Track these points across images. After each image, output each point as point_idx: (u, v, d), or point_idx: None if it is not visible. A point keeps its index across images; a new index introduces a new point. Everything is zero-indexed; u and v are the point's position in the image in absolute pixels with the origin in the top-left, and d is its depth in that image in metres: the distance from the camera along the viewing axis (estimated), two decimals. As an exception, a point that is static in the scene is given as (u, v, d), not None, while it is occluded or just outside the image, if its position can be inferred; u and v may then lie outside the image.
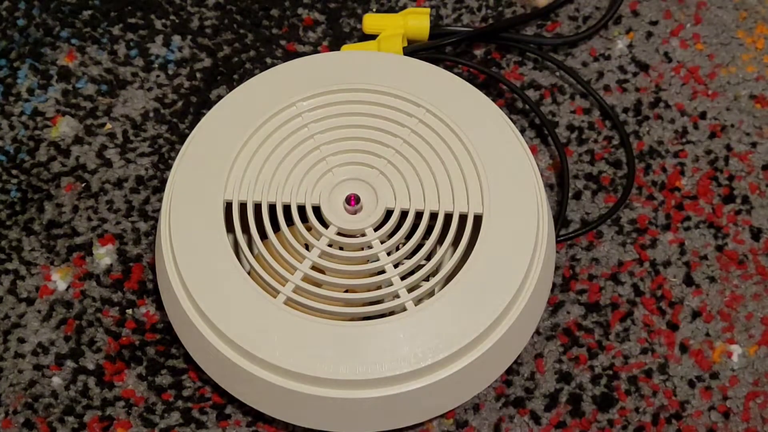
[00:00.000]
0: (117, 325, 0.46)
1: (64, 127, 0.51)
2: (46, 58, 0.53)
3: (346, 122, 0.43)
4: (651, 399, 0.44)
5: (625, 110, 0.52)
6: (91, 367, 0.45)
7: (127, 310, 0.46)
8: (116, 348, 0.45)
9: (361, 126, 0.43)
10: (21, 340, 0.45)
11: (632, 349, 0.45)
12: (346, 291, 0.40)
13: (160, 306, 0.45)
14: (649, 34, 0.54)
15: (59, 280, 0.47)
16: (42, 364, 0.45)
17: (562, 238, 0.47)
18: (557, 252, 0.47)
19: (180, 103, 0.52)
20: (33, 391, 0.44)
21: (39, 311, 0.46)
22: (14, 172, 0.50)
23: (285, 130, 0.42)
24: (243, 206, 0.41)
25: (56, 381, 0.44)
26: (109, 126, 0.51)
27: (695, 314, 0.46)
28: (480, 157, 0.41)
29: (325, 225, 0.41)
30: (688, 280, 0.47)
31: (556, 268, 0.47)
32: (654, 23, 0.54)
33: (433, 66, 0.45)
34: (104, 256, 0.47)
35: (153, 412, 0.44)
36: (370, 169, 0.42)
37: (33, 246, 0.48)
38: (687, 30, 0.54)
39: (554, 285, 0.47)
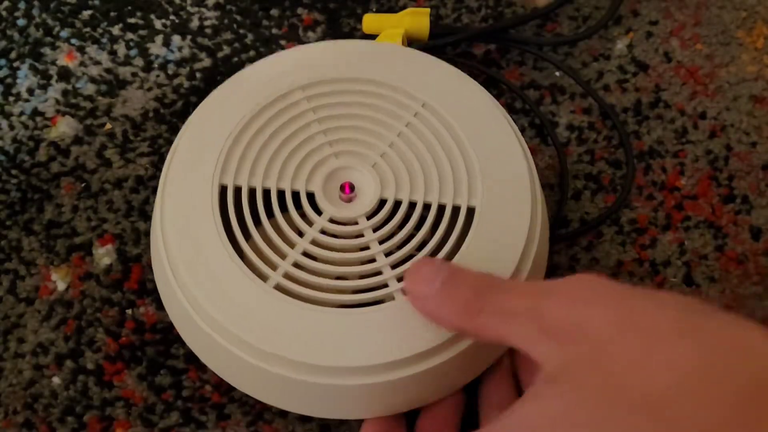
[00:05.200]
0: (117, 325, 0.46)
1: (64, 127, 0.51)
2: (46, 58, 0.53)
3: (343, 111, 0.43)
4: (651, 399, 0.44)
5: (625, 110, 0.52)
6: (90, 367, 0.45)
7: (126, 310, 0.46)
8: (116, 348, 0.45)
9: (359, 115, 0.43)
10: (20, 340, 0.45)
11: (632, 349, 0.45)
12: (338, 278, 0.40)
13: (159, 306, 0.45)
14: (649, 34, 0.54)
15: (59, 280, 0.47)
16: (42, 364, 0.45)
17: (558, 237, 0.47)
18: (557, 252, 0.47)
19: (180, 103, 0.52)
20: (33, 391, 0.44)
21: (39, 311, 0.46)
22: (14, 172, 0.50)
23: (283, 116, 0.42)
24: (238, 190, 0.41)
25: (56, 381, 0.44)
26: (108, 126, 0.51)
27: (695, 314, 0.46)
28: (475, 150, 0.41)
29: (319, 212, 0.41)
30: (688, 280, 0.47)
31: (556, 268, 0.47)
32: (654, 23, 0.54)
33: (433, 57, 0.45)
34: (104, 256, 0.47)
35: (153, 412, 0.44)
36: (366, 159, 0.42)
37: (33, 246, 0.48)
38: (687, 30, 0.54)
39: (554, 285, 0.47)
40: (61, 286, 0.47)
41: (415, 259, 0.39)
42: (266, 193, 0.41)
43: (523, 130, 0.51)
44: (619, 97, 0.52)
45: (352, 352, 0.37)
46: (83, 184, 0.49)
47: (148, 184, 0.49)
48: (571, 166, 0.50)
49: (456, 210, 0.40)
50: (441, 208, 0.41)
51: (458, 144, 0.42)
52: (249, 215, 0.40)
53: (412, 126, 0.42)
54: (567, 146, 0.51)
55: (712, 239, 0.48)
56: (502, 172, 0.41)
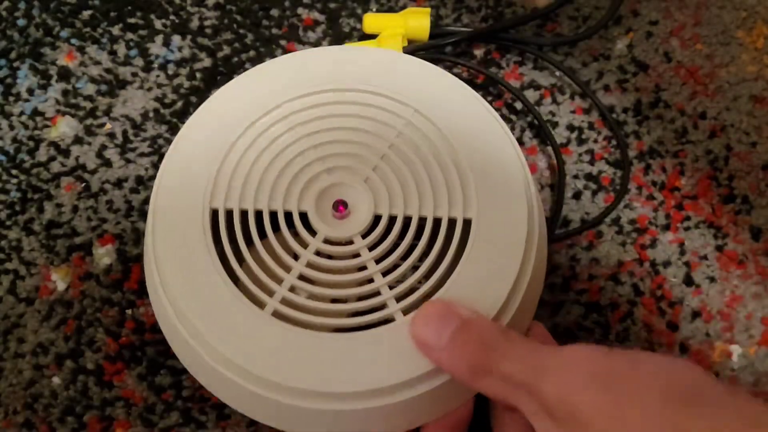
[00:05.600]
0: (117, 325, 0.46)
1: (64, 127, 0.51)
2: (46, 58, 0.53)
3: (332, 124, 0.41)
4: (651, 399, 0.44)
5: (625, 110, 0.52)
6: (90, 367, 0.45)
7: (126, 310, 0.46)
8: (116, 348, 0.45)
9: (348, 128, 0.41)
10: (21, 340, 0.45)
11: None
12: (336, 301, 0.39)
13: (159, 306, 0.45)
14: (649, 34, 0.54)
15: (59, 280, 0.47)
16: (42, 364, 0.45)
17: (554, 238, 0.47)
18: (557, 252, 0.47)
19: (180, 103, 0.52)
20: (33, 391, 0.44)
21: (39, 311, 0.46)
22: (14, 172, 0.50)
23: (271, 133, 0.41)
24: (229, 214, 0.39)
25: (56, 381, 0.44)
26: (108, 126, 0.51)
27: (695, 314, 0.46)
28: (469, 159, 0.40)
29: (313, 232, 0.39)
30: (688, 280, 0.47)
31: (557, 268, 0.47)
32: (654, 23, 0.54)
33: (423, 62, 0.44)
34: (104, 256, 0.47)
35: (153, 412, 0.44)
36: (358, 174, 0.40)
37: (33, 246, 0.48)
38: (687, 30, 0.54)
39: (554, 285, 0.47)
40: (61, 286, 0.47)
41: (412, 280, 0.38)
42: (258, 215, 0.39)
43: (522, 131, 0.51)
44: (619, 97, 0.52)
45: (359, 377, 0.36)
46: (83, 184, 0.49)
47: (148, 184, 0.49)
48: (572, 166, 0.50)
49: (452, 223, 0.39)
50: (437, 222, 0.39)
51: (451, 153, 0.40)
52: (242, 240, 0.39)
53: (403, 136, 0.41)
54: (567, 146, 0.51)
55: (712, 239, 0.48)
56: (497, 181, 0.40)
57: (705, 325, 0.46)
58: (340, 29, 0.54)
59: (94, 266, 0.47)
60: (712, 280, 0.47)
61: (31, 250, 0.48)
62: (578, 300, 0.46)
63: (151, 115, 0.51)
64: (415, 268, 0.39)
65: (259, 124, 0.41)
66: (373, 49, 0.46)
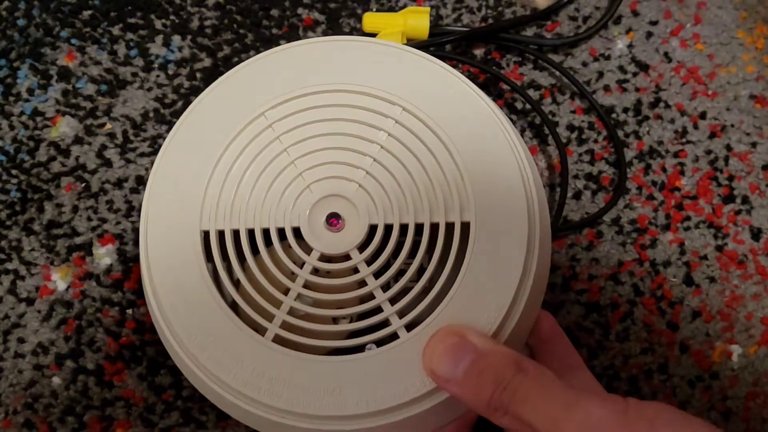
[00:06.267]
0: (117, 325, 0.46)
1: (64, 127, 0.51)
2: (46, 58, 0.53)
3: (318, 130, 0.39)
4: (651, 399, 0.44)
5: (625, 110, 0.52)
6: (90, 367, 0.45)
7: (127, 310, 0.46)
8: (116, 348, 0.45)
9: (335, 133, 0.39)
10: (21, 340, 0.45)
11: (632, 349, 0.45)
12: (336, 319, 0.38)
13: (160, 306, 0.45)
14: (649, 34, 0.54)
15: (59, 280, 0.47)
16: (42, 364, 0.45)
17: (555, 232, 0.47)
18: (557, 252, 0.47)
19: (180, 103, 0.52)
20: (33, 391, 0.44)
21: (39, 311, 0.46)
22: (14, 172, 0.50)
23: (256, 145, 0.39)
24: (221, 235, 0.38)
25: (56, 381, 0.44)
26: (108, 126, 0.51)
27: (695, 314, 0.46)
28: (463, 159, 0.38)
29: (308, 248, 0.38)
30: (688, 280, 0.47)
31: (556, 268, 0.47)
32: (654, 23, 0.54)
33: (408, 53, 0.40)
34: (104, 256, 0.47)
35: (153, 412, 0.44)
36: (349, 183, 0.38)
37: (33, 246, 0.48)
38: (687, 30, 0.54)
39: (554, 285, 0.47)
40: (61, 286, 0.47)
41: (414, 294, 0.37)
42: (251, 234, 0.38)
43: (523, 131, 0.51)
44: (619, 97, 0.52)
45: (366, 398, 0.35)
46: (83, 184, 0.49)
47: (148, 184, 0.49)
48: (572, 166, 0.50)
49: (450, 227, 0.37)
50: (434, 227, 0.37)
51: (444, 153, 0.38)
52: (236, 262, 0.37)
53: (393, 138, 0.39)
54: (567, 146, 0.51)
55: (712, 239, 0.48)
56: (494, 179, 0.38)
57: (705, 325, 0.46)
58: (340, 29, 0.54)
59: (94, 266, 0.47)
60: (712, 280, 0.47)
61: (31, 250, 0.48)
62: (578, 300, 0.46)
63: (151, 115, 0.51)
64: (416, 277, 0.37)
65: (244, 135, 0.39)
66: (352, 39, 0.42)
